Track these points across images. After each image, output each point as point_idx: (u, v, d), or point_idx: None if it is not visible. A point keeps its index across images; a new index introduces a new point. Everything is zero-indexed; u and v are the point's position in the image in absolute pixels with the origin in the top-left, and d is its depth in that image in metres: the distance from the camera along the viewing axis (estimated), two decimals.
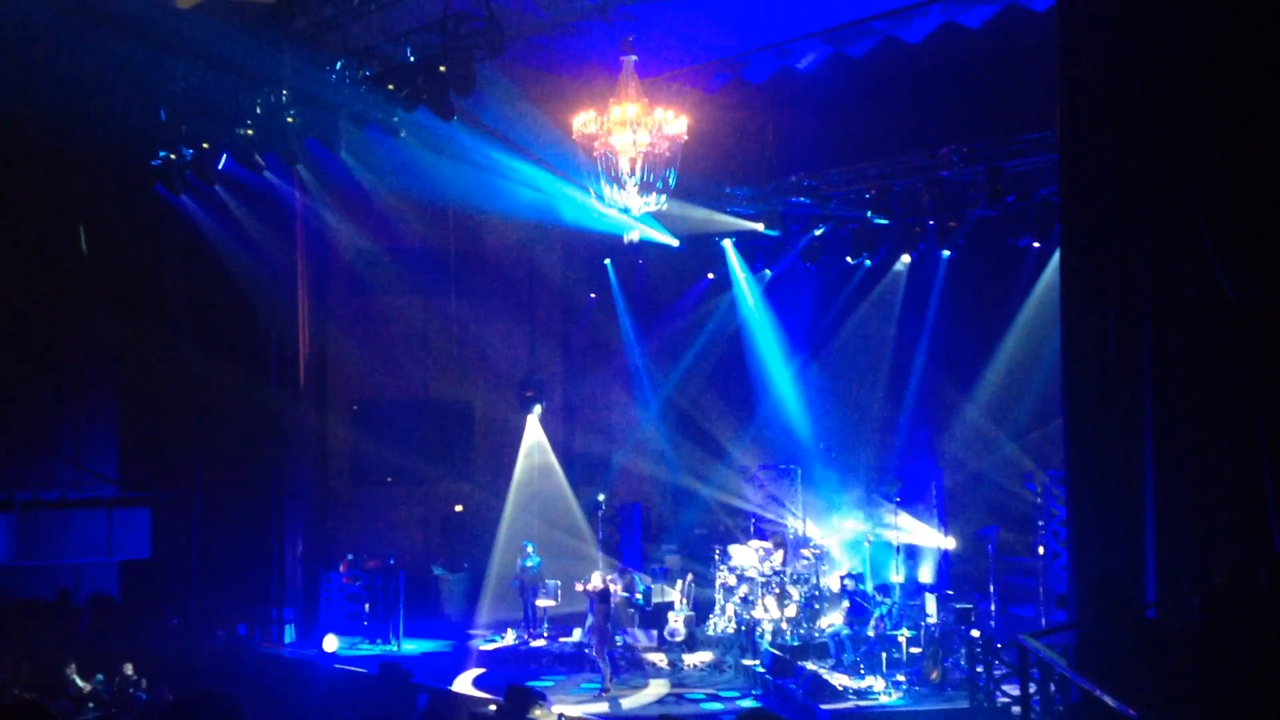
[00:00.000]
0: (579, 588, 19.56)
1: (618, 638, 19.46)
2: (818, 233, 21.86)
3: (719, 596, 20.10)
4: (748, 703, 17.02)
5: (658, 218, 17.49)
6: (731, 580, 19.92)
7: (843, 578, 19.23)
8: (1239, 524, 10.08)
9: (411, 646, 20.55)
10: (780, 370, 23.60)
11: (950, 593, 18.32)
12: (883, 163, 20.07)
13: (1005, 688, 15.13)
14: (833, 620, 18.94)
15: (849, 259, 21.55)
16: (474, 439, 24.29)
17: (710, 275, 24.23)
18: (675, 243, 22.54)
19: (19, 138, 19.74)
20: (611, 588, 19.64)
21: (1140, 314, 10.80)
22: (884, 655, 17.08)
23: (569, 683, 18.24)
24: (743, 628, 19.39)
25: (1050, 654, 9.17)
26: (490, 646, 20.64)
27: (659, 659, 19.19)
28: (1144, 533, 10.63)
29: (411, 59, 16.70)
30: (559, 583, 21.15)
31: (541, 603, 20.92)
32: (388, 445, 22.66)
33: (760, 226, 22.21)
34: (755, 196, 22.05)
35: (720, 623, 19.83)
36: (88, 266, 21.69)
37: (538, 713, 11.52)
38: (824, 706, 15.90)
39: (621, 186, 15.49)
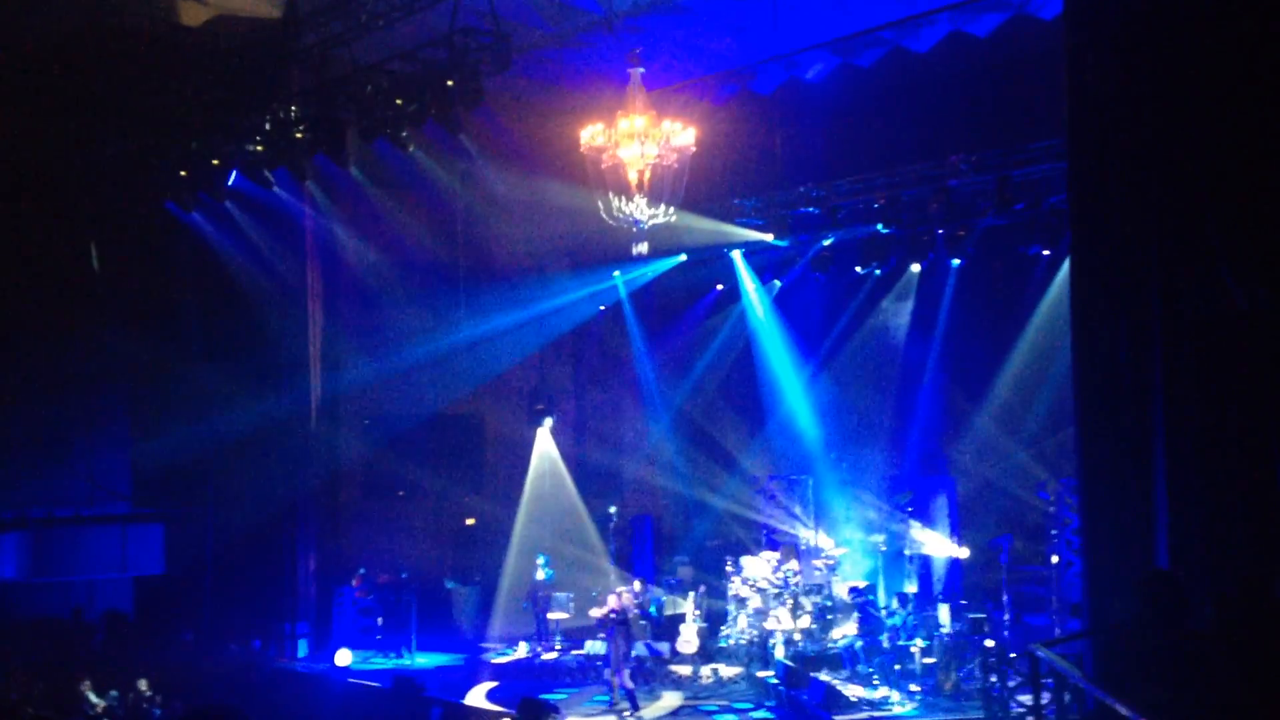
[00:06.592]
0: (594, 613, 18.73)
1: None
2: (827, 242, 21.85)
3: (731, 608, 20.06)
4: (761, 714, 16.98)
5: (665, 231, 17.50)
6: (744, 591, 19.88)
7: (851, 589, 19.18)
8: (1252, 532, 10.04)
9: (424, 660, 20.55)
10: (790, 380, 23.59)
11: (964, 602, 18.27)
12: (891, 172, 20.08)
13: (1020, 697, 15.05)
14: (846, 631, 18.89)
15: (858, 268, 21.53)
16: (485, 452, 24.31)
17: (719, 286, 24.25)
18: (683, 257, 22.61)
19: (30, 155, 19.85)
20: (625, 600, 19.60)
21: (1151, 322, 10.77)
22: (898, 666, 17.04)
23: (582, 695, 18.20)
24: (756, 639, 19.35)
25: (1063, 663, 9.12)
26: (503, 660, 20.63)
27: (672, 671, 19.14)
28: (1156, 541, 10.59)
29: (419, 74, 16.77)
30: (571, 595, 21.14)
31: (554, 615, 20.90)
32: (399, 459, 22.68)
33: (769, 237, 22.22)
34: (764, 207, 22.06)
35: (733, 634, 19.79)
36: (99, 283, 21.76)
37: None
38: (837, 717, 15.85)
39: (630, 198, 15.52)
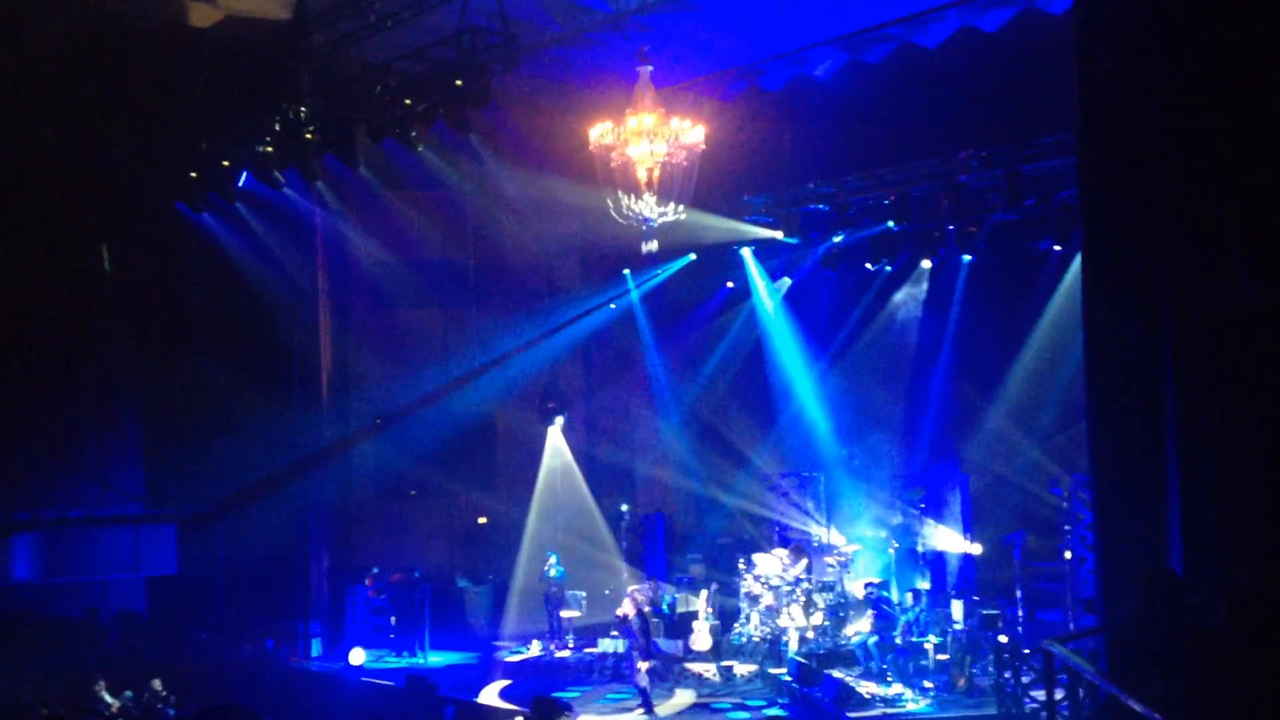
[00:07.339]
0: (619, 612, 18.31)
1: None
2: (837, 239, 21.76)
3: (744, 605, 20.05)
4: (774, 712, 16.96)
5: (675, 229, 17.48)
6: (757, 589, 19.87)
7: (866, 585, 19.15)
8: (1264, 528, 10.00)
9: (437, 659, 20.57)
10: (801, 377, 23.54)
11: (977, 598, 18.24)
12: (901, 168, 20.03)
13: (1034, 693, 15.02)
14: (859, 628, 18.86)
15: (869, 265, 21.46)
16: (496, 451, 24.32)
17: (730, 284, 24.21)
18: (693, 255, 22.58)
19: (41, 157, 19.91)
20: (638, 598, 19.58)
21: (1163, 316, 10.74)
22: (911, 662, 17.01)
23: (595, 694, 18.23)
24: (769, 636, 19.33)
25: (1077, 659, 9.11)
26: (516, 658, 20.64)
27: (685, 669, 19.13)
28: (1169, 537, 10.56)
29: (428, 73, 16.79)
30: (584, 594, 21.14)
31: (566, 614, 20.91)
32: (411, 459, 22.68)
33: (779, 234, 22.16)
34: (773, 204, 22.01)
35: (746, 632, 19.78)
36: (111, 285, 21.84)
37: None
38: (851, 715, 15.85)
39: (639, 196, 15.49)
